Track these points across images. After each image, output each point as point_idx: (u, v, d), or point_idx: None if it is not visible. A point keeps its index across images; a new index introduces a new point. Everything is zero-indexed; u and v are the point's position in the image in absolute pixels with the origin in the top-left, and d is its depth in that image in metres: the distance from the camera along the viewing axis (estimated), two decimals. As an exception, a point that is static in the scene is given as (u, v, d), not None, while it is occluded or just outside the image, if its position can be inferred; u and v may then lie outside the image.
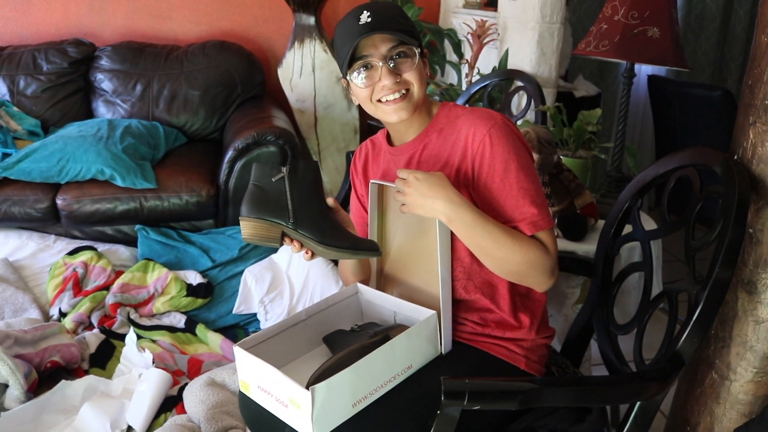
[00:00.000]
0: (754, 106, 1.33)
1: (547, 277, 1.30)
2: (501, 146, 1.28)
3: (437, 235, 1.28)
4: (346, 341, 1.33)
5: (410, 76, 1.31)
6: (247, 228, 1.25)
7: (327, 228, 1.27)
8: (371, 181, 1.42)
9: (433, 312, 1.30)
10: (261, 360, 1.20)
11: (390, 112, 1.33)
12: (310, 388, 1.10)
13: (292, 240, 1.27)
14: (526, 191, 1.28)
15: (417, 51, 1.31)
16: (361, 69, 1.30)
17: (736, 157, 1.39)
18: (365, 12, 1.28)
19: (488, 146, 1.28)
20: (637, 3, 2.02)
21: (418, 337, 1.28)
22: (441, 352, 1.33)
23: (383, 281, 1.50)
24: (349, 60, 1.29)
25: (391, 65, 1.30)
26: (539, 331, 1.41)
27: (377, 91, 1.31)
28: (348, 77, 1.33)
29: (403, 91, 1.31)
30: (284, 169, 1.26)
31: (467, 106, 1.42)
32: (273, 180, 1.26)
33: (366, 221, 1.50)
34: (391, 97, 1.31)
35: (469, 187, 1.32)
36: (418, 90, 1.33)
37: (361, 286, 1.48)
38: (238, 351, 1.25)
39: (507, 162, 1.28)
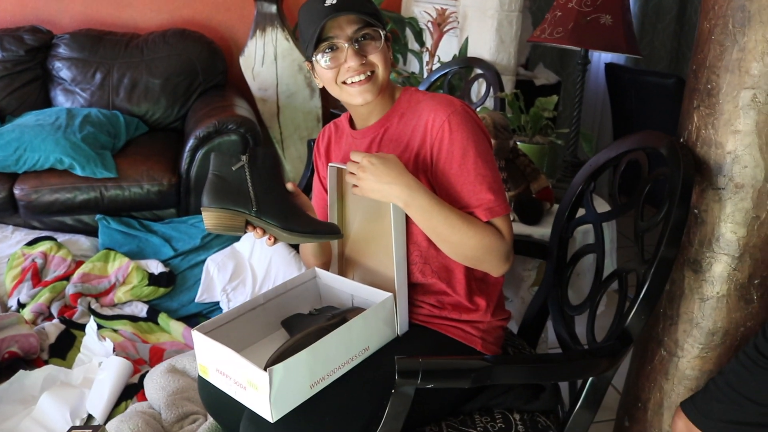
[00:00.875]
0: (698, 90, 1.37)
1: (503, 262, 1.32)
2: (460, 132, 1.30)
3: (391, 219, 1.30)
4: (304, 324, 1.34)
5: (375, 58, 1.32)
6: (210, 218, 1.25)
7: (289, 214, 1.28)
8: (329, 164, 1.43)
9: (389, 294, 1.32)
10: (219, 343, 1.20)
11: (355, 94, 1.33)
12: (267, 369, 1.11)
13: (255, 227, 1.27)
14: (483, 177, 1.30)
15: (382, 33, 1.32)
16: (327, 50, 1.31)
17: (681, 140, 1.43)
18: None
19: (447, 132, 1.30)
20: (589, -9, 2.07)
21: (375, 319, 1.30)
22: (398, 334, 1.36)
23: (344, 264, 1.51)
24: (314, 41, 1.29)
25: (357, 47, 1.30)
26: (495, 313, 1.43)
27: (342, 72, 1.32)
28: (313, 59, 1.34)
29: (369, 73, 1.32)
30: (244, 158, 1.26)
31: (427, 92, 1.43)
32: (233, 169, 1.26)
33: (327, 204, 1.52)
34: (356, 79, 1.31)
35: (427, 173, 1.34)
36: (383, 72, 1.33)
37: (318, 270, 1.49)
38: (196, 335, 1.25)
39: (465, 148, 1.30)
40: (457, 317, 1.41)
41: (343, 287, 1.44)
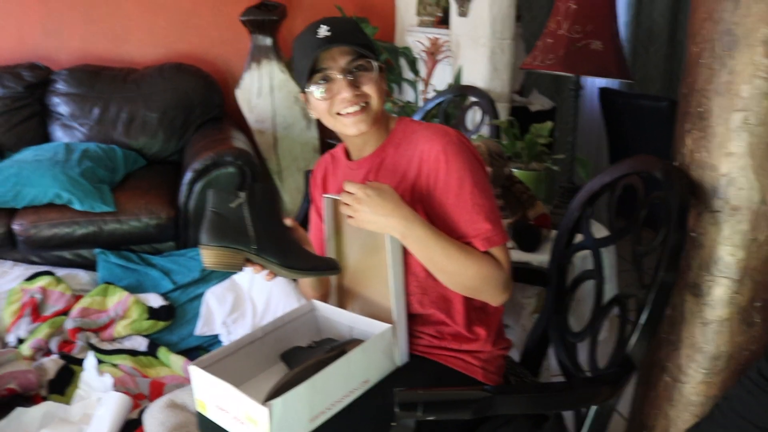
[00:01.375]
0: (690, 114, 1.38)
1: (501, 291, 1.31)
2: (456, 162, 1.30)
3: (388, 250, 1.30)
4: (303, 357, 1.33)
5: (369, 89, 1.32)
6: (210, 256, 1.24)
7: (288, 250, 1.28)
8: (324, 195, 1.43)
9: (388, 326, 1.31)
10: (216, 378, 1.19)
11: (349, 125, 1.33)
12: (266, 403, 1.10)
13: (254, 263, 1.27)
14: (480, 207, 1.30)
15: (375, 64, 1.32)
16: (321, 81, 1.31)
17: (676, 164, 1.44)
18: (323, 26, 1.29)
19: (443, 162, 1.30)
20: (579, 17, 2.08)
21: (374, 351, 1.29)
22: (397, 365, 1.35)
23: (343, 296, 1.51)
24: (308, 73, 1.30)
25: (350, 78, 1.30)
26: (495, 342, 1.42)
27: (336, 103, 1.32)
28: (306, 90, 1.34)
29: (363, 104, 1.32)
30: (242, 195, 1.26)
31: (423, 122, 1.43)
32: (232, 206, 1.25)
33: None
34: (350, 110, 1.31)
35: (424, 203, 1.33)
36: (377, 103, 1.34)
37: (316, 302, 1.48)
38: (193, 370, 1.24)
39: (462, 178, 1.29)
40: (457, 347, 1.39)
41: (341, 319, 1.43)
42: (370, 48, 1.32)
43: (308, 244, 1.39)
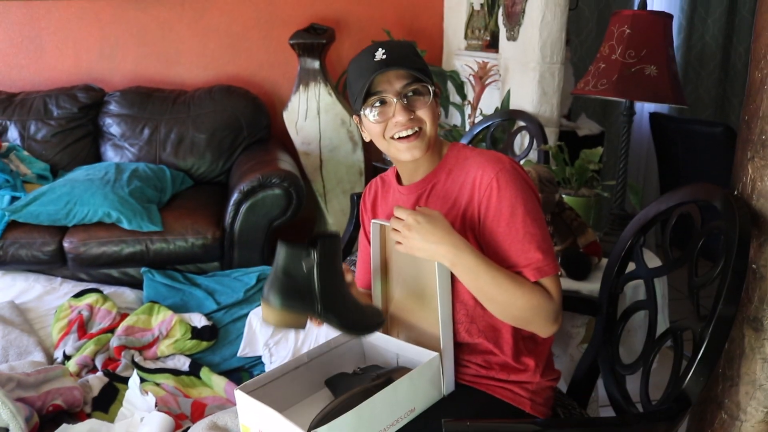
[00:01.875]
0: (752, 141, 1.33)
1: (551, 323, 1.29)
2: (508, 190, 1.28)
3: (437, 278, 1.28)
4: (348, 384, 1.32)
5: (423, 113, 1.31)
6: (274, 316, 1.22)
7: (348, 310, 1.28)
8: (373, 221, 1.42)
9: (436, 354, 1.29)
10: (261, 403, 1.18)
11: (403, 150, 1.32)
12: (311, 431, 1.08)
13: (314, 318, 1.27)
14: (532, 236, 1.27)
15: (431, 89, 1.31)
16: (376, 104, 1.31)
17: (736, 193, 1.39)
18: (380, 49, 1.29)
19: (495, 190, 1.28)
20: (633, 42, 2.05)
21: (421, 380, 1.26)
22: (444, 395, 1.32)
23: (389, 323, 1.49)
24: (363, 95, 1.29)
25: (405, 102, 1.30)
26: (544, 373, 1.39)
27: (390, 127, 1.31)
28: (361, 113, 1.33)
29: (416, 129, 1.31)
30: (314, 255, 1.23)
31: (475, 147, 1.42)
32: (304, 271, 1.23)
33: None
34: (404, 134, 1.31)
35: (474, 230, 1.32)
36: (431, 128, 1.32)
37: None
38: (239, 394, 1.24)
39: (514, 206, 1.27)
40: (505, 377, 1.36)
41: (388, 346, 1.41)
42: (425, 72, 1.31)
43: (361, 296, 1.40)
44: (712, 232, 1.34)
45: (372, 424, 1.18)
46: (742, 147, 1.37)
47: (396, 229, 1.26)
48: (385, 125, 1.32)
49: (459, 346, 1.36)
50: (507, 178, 1.28)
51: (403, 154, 1.33)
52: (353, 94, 1.33)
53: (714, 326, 1.21)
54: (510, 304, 1.25)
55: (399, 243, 1.27)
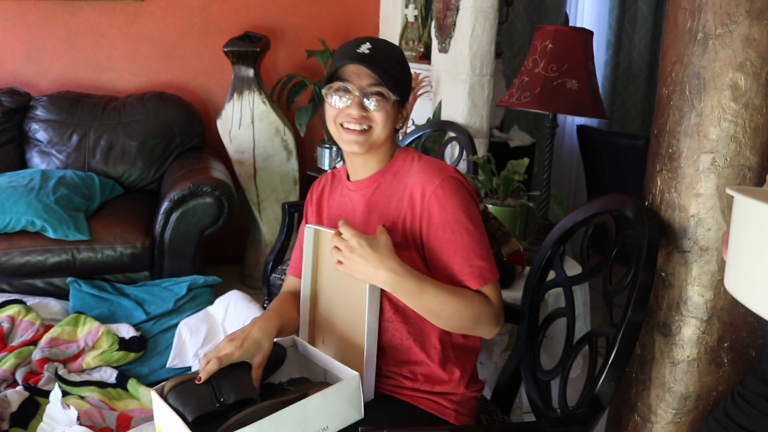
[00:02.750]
0: (660, 154, 1.39)
1: (493, 326, 1.33)
2: (451, 199, 1.30)
3: (367, 297, 1.28)
4: (269, 397, 1.30)
5: (377, 115, 1.34)
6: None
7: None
8: (307, 225, 1.43)
9: (356, 374, 1.27)
10: (169, 408, 1.18)
11: (346, 140, 1.36)
12: None
13: None
14: (474, 245, 1.30)
15: (393, 98, 1.34)
16: (339, 90, 1.34)
17: (647, 203, 1.45)
18: (367, 43, 1.33)
19: (438, 199, 1.30)
20: (555, 57, 2.11)
21: (336, 399, 1.24)
22: (362, 417, 1.29)
23: (315, 327, 1.49)
24: (330, 77, 1.34)
25: (364, 99, 1.33)
26: (469, 384, 1.41)
27: (343, 115, 1.35)
28: (323, 90, 1.37)
29: (365, 126, 1.34)
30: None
31: (423, 154, 1.44)
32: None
33: None
34: (351, 126, 1.34)
35: (416, 237, 1.33)
36: (380, 131, 1.35)
37: (297, 339, 1.45)
38: (155, 396, 1.22)
39: (457, 215, 1.30)
40: (430, 389, 1.38)
41: (317, 360, 1.39)
42: (397, 81, 1.34)
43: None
44: (626, 241, 1.39)
45: None
46: (652, 160, 1.44)
47: (338, 248, 1.26)
48: (340, 112, 1.35)
49: (385, 354, 1.37)
50: (451, 187, 1.31)
51: (345, 144, 1.37)
52: (328, 72, 1.36)
53: (624, 332, 1.26)
54: (454, 317, 1.28)
55: (339, 263, 1.26)
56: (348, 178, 1.48)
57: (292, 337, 1.46)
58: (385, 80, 1.31)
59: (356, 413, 1.27)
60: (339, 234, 1.25)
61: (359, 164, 1.43)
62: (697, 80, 1.28)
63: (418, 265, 1.32)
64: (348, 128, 1.35)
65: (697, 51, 1.28)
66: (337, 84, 1.34)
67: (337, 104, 1.35)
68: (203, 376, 1.23)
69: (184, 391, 1.23)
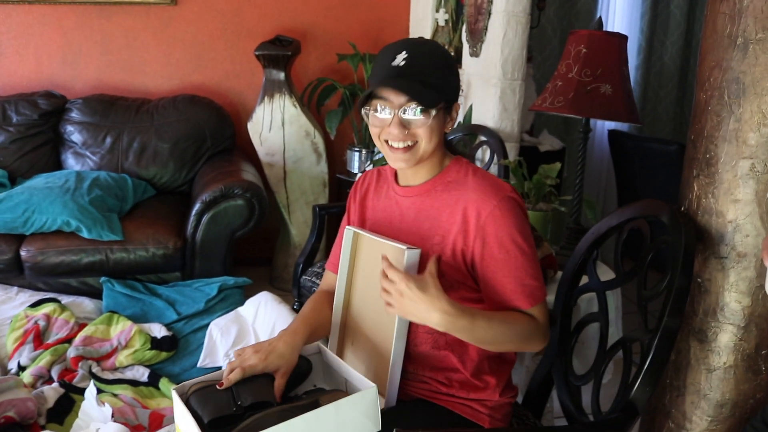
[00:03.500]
0: (697, 159, 1.38)
1: (540, 343, 1.34)
2: (508, 220, 1.29)
3: (396, 326, 1.30)
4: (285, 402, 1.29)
5: (420, 131, 1.29)
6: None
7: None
8: (347, 227, 1.43)
9: (373, 386, 1.25)
10: (186, 409, 1.19)
11: (392, 158, 1.33)
12: None
13: None
14: (527, 265, 1.30)
15: (433, 112, 1.28)
16: (377, 108, 1.31)
17: (682, 209, 1.44)
18: (404, 53, 1.28)
19: (495, 219, 1.28)
20: (589, 61, 2.10)
21: (351, 410, 1.21)
22: (379, 430, 1.25)
23: (343, 330, 1.49)
24: (367, 96, 1.30)
25: (403, 117, 1.29)
26: (503, 392, 1.41)
27: (385, 132, 1.31)
28: (363, 111, 1.34)
29: (409, 143, 1.30)
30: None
31: (477, 167, 1.41)
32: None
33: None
34: (395, 145, 1.31)
35: (466, 255, 1.32)
36: (426, 145, 1.31)
37: (322, 346, 1.45)
38: (175, 396, 1.24)
39: (512, 236, 1.28)
40: (465, 395, 1.38)
41: (339, 369, 1.38)
42: (438, 89, 1.28)
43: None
44: (661, 247, 1.38)
45: None
46: (689, 165, 1.43)
47: (386, 290, 1.23)
48: (382, 129, 1.32)
49: (422, 359, 1.38)
50: (507, 207, 1.29)
51: (393, 162, 1.34)
52: (365, 92, 1.32)
53: (659, 338, 1.25)
54: (504, 342, 1.29)
55: (389, 305, 1.23)
56: (396, 180, 1.45)
57: (317, 344, 1.45)
58: (423, 95, 1.26)
59: (372, 425, 1.24)
60: (385, 275, 1.22)
61: (410, 172, 1.39)
62: (737, 85, 1.27)
63: (466, 281, 1.33)
64: (392, 146, 1.31)
65: (737, 56, 1.27)
66: (375, 102, 1.31)
67: (375, 123, 1.32)
68: (225, 384, 1.25)
69: (205, 395, 1.24)
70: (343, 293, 1.47)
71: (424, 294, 1.18)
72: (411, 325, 1.35)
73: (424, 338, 1.37)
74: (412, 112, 1.28)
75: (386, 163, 1.44)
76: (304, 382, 1.41)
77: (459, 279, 1.32)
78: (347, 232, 1.42)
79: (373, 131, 1.34)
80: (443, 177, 1.37)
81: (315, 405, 1.20)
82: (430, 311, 1.19)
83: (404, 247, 1.29)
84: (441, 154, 1.39)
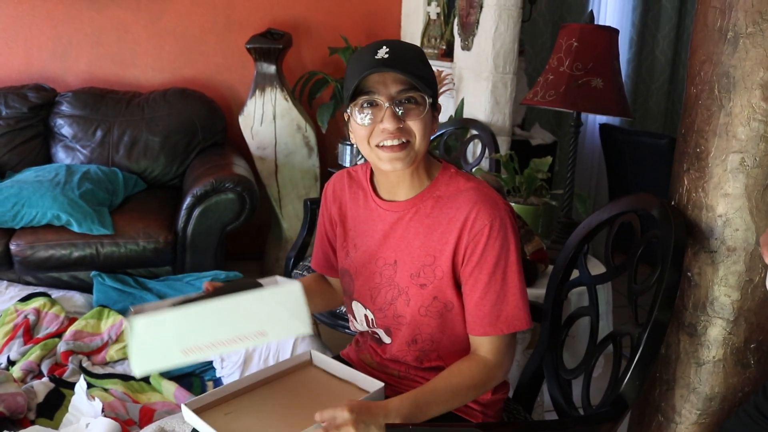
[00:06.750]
0: (688, 153, 1.38)
1: (499, 380, 1.32)
2: (498, 240, 1.23)
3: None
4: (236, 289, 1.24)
5: (415, 125, 1.20)
6: None
7: None
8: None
9: (298, 284, 1.18)
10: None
11: (385, 160, 1.22)
12: (129, 317, 1.09)
13: None
14: (511, 289, 1.26)
15: (428, 101, 1.21)
16: (365, 105, 1.20)
17: (673, 203, 1.44)
18: (384, 47, 1.18)
19: (485, 238, 1.23)
20: (580, 55, 2.10)
21: (274, 304, 1.16)
22: (303, 332, 1.20)
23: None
24: (353, 93, 1.19)
25: (397, 109, 1.19)
26: (495, 390, 1.41)
27: (376, 133, 1.21)
28: (348, 111, 1.23)
29: (404, 140, 1.20)
30: None
31: (469, 176, 1.33)
32: None
33: (329, 253, 1.49)
34: (389, 143, 1.20)
35: (456, 273, 1.28)
36: (420, 142, 1.22)
37: (279, 278, 1.37)
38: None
39: (499, 257, 1.24)
40: None
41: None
42: (428, 82, 1.21)
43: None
44: (651, 241, 1.38)
45: (202, 331, 1.12)
46: (679, 159, 1.43)
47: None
48: (372, 130, 1.21)
49: (414, 366, 1.38)
50: (499, 226, 1.23)
51: (384, 164, 1.23)
52: (347, 89, 1.23)
53: (649, 331, 1.25)
54: (461, 403, 1.28)
55: None
56: (374, 189, 1.36)
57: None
58: (416, 82, 1.18)
59: (301, 326, 1.18)
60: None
61: (395, 181, 1.29)
62: (727, 79, 1.27)
63: (451, 293, 1.30)
64: (384, 146, 1.21)
65: (727, 50, 1.27)
66: (362, 98, 1.19)
67: (365, 122, 1.21)
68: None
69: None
70: None
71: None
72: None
73: (415, 355, 1.36)
74: (406, 105, 1.20)
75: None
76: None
77: (450, 299, 1.29)
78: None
79: (361, 134, 1.23)
80: (432, 191, 1.29)
81: (240, 290, 1.17)
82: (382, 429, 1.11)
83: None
84: (428, 162, 1.31)
